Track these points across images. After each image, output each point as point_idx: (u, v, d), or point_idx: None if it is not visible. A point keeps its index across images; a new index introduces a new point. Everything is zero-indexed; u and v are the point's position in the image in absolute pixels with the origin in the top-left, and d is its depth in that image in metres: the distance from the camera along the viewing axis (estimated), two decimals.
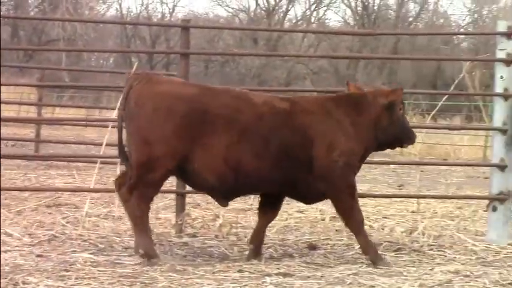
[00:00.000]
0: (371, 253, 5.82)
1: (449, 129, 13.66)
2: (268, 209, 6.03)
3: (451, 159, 17.77)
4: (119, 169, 6.58)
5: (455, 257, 6.22)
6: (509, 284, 5.37)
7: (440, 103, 9.02)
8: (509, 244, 6.78)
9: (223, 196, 5.80)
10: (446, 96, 9.23)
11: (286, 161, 5.69)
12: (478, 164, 13.73)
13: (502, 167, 6.96)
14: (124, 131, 5.68)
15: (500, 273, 5.65)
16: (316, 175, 5.74)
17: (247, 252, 5.97)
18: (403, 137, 6.11)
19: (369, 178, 12.03)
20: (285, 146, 5.68)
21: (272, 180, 5.74)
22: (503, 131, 6.97)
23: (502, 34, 7.05)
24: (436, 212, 8.43)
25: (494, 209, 6.97)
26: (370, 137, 5.95)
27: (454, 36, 49.90)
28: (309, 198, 6.07)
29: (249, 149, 5.62)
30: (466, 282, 5.36)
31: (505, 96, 6.98)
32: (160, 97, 5.57)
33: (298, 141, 5.72)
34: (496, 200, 6.96)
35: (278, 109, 5.75)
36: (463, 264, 5.98)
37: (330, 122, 5.84)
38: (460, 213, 8.66)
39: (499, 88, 7.01)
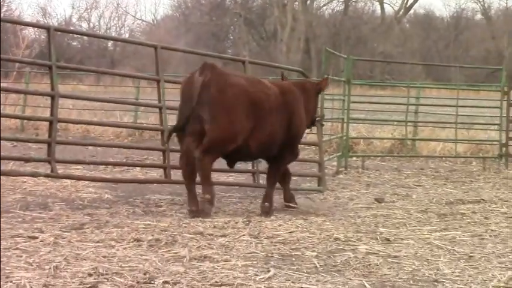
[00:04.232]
0: (270, 204, 7.98)
1: None
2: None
3: None
4: None
5: None
6: None
7: None
8: None
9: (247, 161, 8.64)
10: None
11: (284, 129, 7.88)
12: None
13: None
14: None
15: None
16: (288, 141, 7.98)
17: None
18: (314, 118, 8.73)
19: None
20: (284, 118, 7.86)
21: (278, 144, 7.86)
22: None
23: None
24: None
25: None
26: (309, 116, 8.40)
27: None
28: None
29: (276, 123, 7.77)
30: None
31: None
32: (233, 87, 7.47)
33: (287, 114, 7.91)
34: None
35: (276, 90, 7.91)
36: None
37: (300, 101, 8.12)
38: None
39: None
